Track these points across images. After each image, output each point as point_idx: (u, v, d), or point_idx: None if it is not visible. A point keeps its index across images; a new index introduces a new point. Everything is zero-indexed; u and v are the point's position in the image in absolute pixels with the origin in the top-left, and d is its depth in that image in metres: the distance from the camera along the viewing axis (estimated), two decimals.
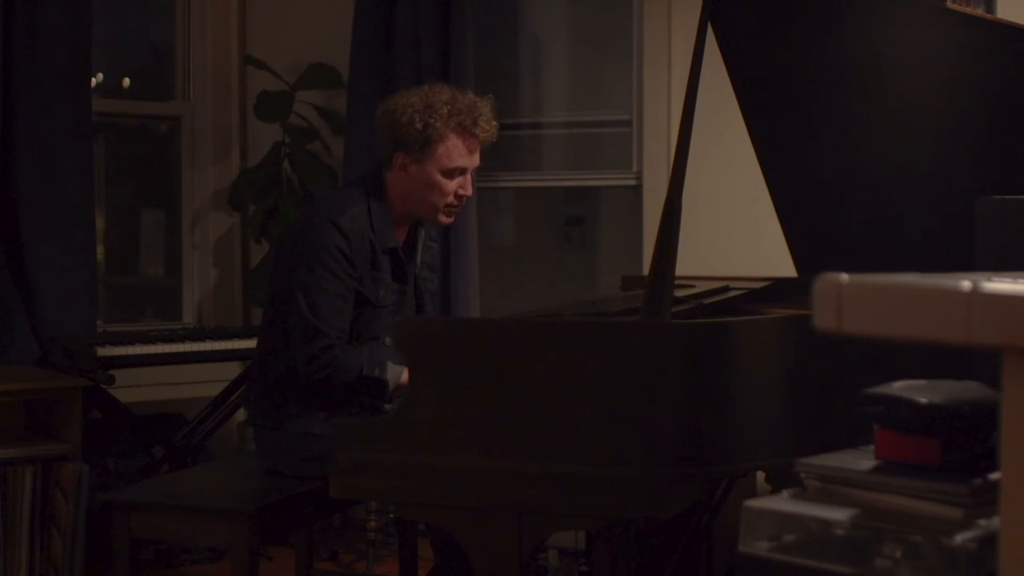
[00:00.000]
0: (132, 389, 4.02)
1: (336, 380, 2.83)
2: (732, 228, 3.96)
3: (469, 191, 2.99)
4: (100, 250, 4.59)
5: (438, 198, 2.94)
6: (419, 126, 2.89)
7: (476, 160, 2.98)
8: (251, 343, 3.71)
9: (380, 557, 4.03)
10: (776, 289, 3.17)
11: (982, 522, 1.39)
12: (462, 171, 2.95)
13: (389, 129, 2.95)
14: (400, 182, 2.96)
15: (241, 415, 4.20)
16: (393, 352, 2.91)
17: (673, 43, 4.05)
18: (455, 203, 2.98)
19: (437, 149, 2.90)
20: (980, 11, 3.41)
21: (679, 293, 2.80)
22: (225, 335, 4.05)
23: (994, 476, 1.42)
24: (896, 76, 2.74)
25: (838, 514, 1.47)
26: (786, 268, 3.21)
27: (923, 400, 1.48)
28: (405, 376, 2.83)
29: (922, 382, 1.54)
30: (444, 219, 3.01)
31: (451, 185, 2.94)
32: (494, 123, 2.98)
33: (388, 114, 2.96)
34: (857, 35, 2.75)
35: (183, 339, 4.00)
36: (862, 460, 1.54)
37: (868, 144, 2.85)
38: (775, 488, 3.01)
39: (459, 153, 2.93)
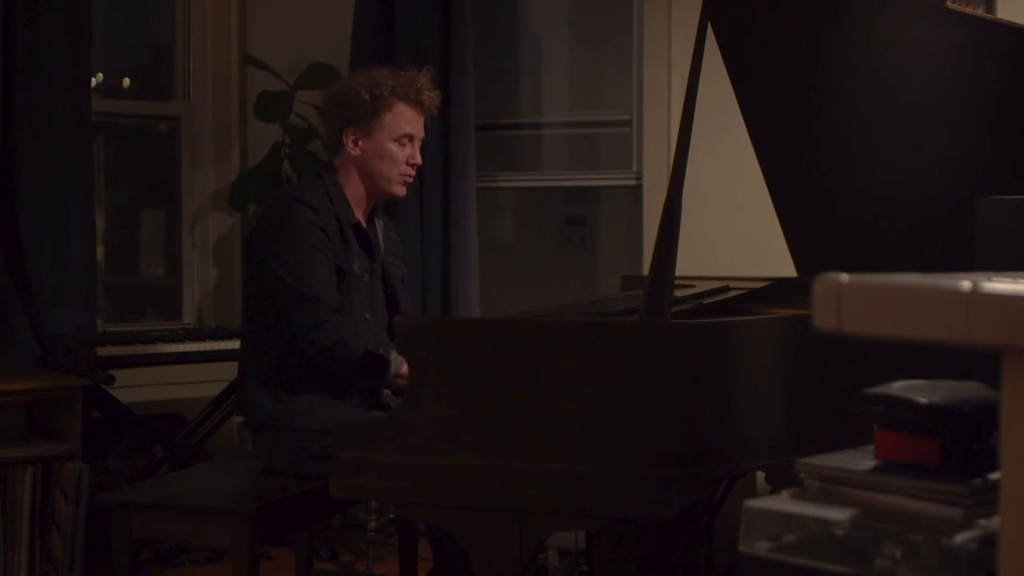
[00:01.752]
0: (132, 389, 4.01)
1: (340, 354, 2.85)
2: (732, 228, 3.96)
3: (419, 159, 3.09)
4: (100, 250, 4.59)
5: (391, 167, 3.04)
6: (367, 97, 3.01)
7: (422, 130, 3.10)
8: None
9: (380, 557, 4.03)
10: (776, 289, 3.17)
11: (982, 522, 1.39)
12: (410, 138, 3.05)
13: (337, 108, 3.06)
14: (352, 160, 3.06)
15: None
16: (374, 328, 2.99)
17: (673, 43, 4.05)
18: (408, 172, 3.07)
19: (385, 117, 3.02)
20: (980, 11, 3.41)
21: (679, 293, 2.80)
22: (225, 335, 4.05)
23: (994, 476, 1.42)
24: (896, 76, 2.74)
25: (838, 514, 1.47)
26: (786, 268, 3.21)
27: (923, 400, 1.48)
28: (406, 368, 2.86)
29: (922, 382, 1.53)
30: (399, 189, 3.09)
31: (402, 153, 3.04)
32: (435, 91, 3.10)
33: (335, 95, 3.08)
34: (857, 35, 2.75)
35: (183, 339, 4.00)
36: (862, 460, 1.54)
37: (868, 144, 2.85)
38: (775, 488, 3.01)
39: (406, 120, 3.04)
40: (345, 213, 3.01)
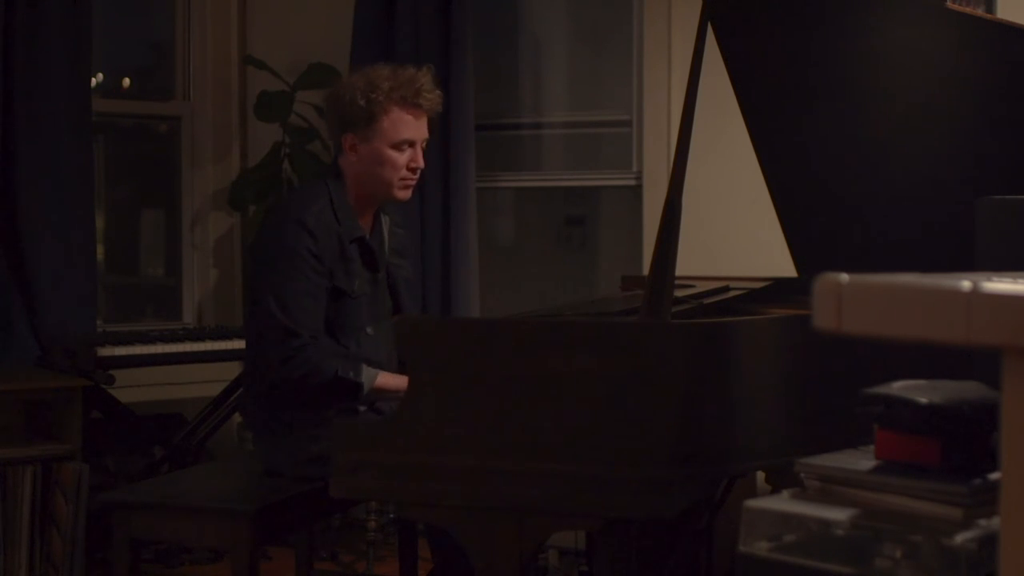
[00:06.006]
0: (132, 389, 4.02)
1: (312, 381, 2.83)
2: (732, 228, 3.96)
3: (420, 163, 3.00)
4: (100, 250, 4.59)
5: (391, 173, 2.96)
6: (362, 103, 2.92)
7: (424, 131, 3.00)
8: None
9: (380, 557, 4.03)
10: (776, 289, 3.17)
11: (982, 522, 1.39)
12: (410, 143, 2.97)
13: (334, 112, 3.00)
14: (352, 164, 2.99)
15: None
16: (377, 341, 2.95)
17: (673, 43, 4.04)
18: (409, 176, 2.99)
19: (382, 123, 2.93)
20: (980, 11, 3.41)
21: (679, 293, 2.80)
22: (225, 335, 4.05)
23: (994, 476, 1.42)
24: (896, 76, 2.74)
25: (838, 514, 1.47)
26: (786, 268, 3.21)
27: (923, 400, 1.48)
28: (380, 380, 2.88)
29: (922, 382, 1.54)
30: (401, 194, 3.01)
31: (402, 159, 2.96)
32: (436, 92, 3.00)
33: (332, 97, 3.02)
34: (857, 35, 2.75)
35: (183, 339, 4.00)
36: (862, 460, 1.54)
37: (868, 144, 2.85)
38: (775, 488, 3.01)
39: (404, 125, 2.95)
40: (348, 227, 2.94)
